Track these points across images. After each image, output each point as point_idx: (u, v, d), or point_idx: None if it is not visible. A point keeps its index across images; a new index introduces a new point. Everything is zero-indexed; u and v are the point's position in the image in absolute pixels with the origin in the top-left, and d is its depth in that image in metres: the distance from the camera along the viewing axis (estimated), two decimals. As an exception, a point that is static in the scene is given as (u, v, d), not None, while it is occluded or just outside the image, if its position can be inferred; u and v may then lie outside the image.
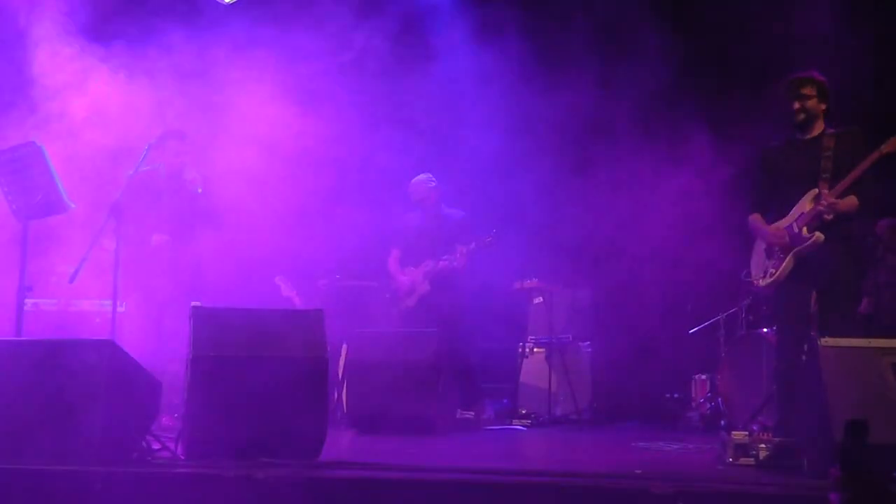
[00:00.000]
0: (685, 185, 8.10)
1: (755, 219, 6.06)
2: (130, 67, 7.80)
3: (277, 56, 8.24)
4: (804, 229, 5.71)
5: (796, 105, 5.85)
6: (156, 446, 5.11)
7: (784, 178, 5.93)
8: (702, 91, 8.76)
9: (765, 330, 7.48)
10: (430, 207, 8.40)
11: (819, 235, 5.65)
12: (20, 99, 7.47)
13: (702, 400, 8.36)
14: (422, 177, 8.44)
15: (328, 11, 8.48)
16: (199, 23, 8.44)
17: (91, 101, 7.43)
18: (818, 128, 5.89)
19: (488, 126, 8.83)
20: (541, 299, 9.24)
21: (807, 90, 5.84)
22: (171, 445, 5.13)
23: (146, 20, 8.14)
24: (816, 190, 5.72)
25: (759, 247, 6.07)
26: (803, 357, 5.36)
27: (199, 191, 7.23)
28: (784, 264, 5.78)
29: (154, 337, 7.30)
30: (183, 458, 4.98)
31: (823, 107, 5.88)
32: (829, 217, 5.62)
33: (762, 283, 5.93)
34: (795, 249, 5.74)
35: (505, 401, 9.23)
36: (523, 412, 8.84)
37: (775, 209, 5.99)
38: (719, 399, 7.88)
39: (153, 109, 8.00)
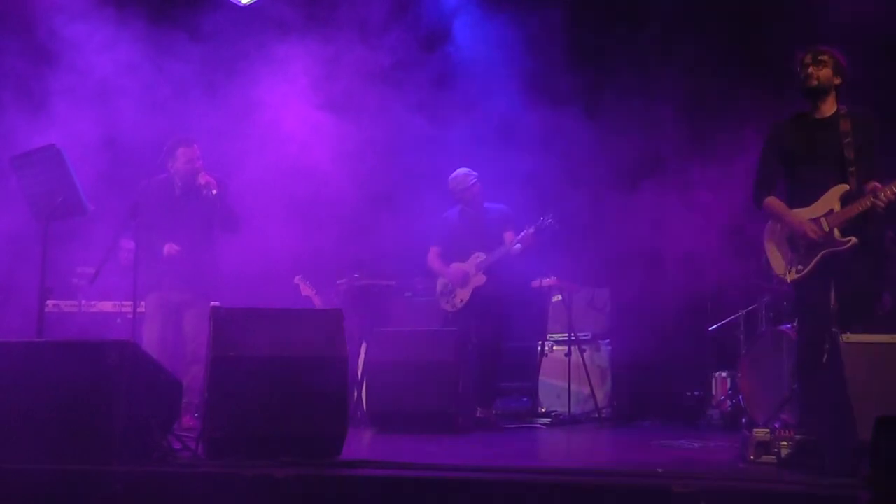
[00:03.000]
0: (705, 181, 8.08)
1: (774, 202, 5.84)
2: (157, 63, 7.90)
3: (303, 58, 8.28)
4: (836, 231, 5.59)
5: (810, 69, 5.70)
6: (177, 446, 5.14)
7: (802, 161, 5.77)
8: (727, 90, 8.71)
9: (786, 326, 7.43)
10: (471, 201, 8.27)
11: (855, 240, 5.52)
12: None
13: (722, 398, 8.32)
14: (462, 171, 8.29)
15: (355, 15, 8.51)
16: (223, 24, 8.50)
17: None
18: (830, 105, 5.75)
19: (507, 124, 8.82)
20: (560, 297, 9.22)
21: (824, 58, 5.71)
22: (192, 445, 5.15)
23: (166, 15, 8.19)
24: (846, 187, 5.60)
25: (777, 235, 5.86)
26: (825, 354, 5.30)
27: (214, 193, 7.23)
28: (815, 262, 5.63)
29: (173, 338, 7.34)
30: (204, 457, 4.99)
31: (838, 81, 5.73)
32: (882, 207, 5.48)
33: (790, 277, 5.74)
34: (827, 251, 5.59)
35: (524, 399, 9.22)
36: (543, 410, 8.84)
37: (792, 192, 5.84)
38: (740, 397, 7.84)
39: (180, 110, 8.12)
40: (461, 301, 8.15)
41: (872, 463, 3.67)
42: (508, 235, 8.10)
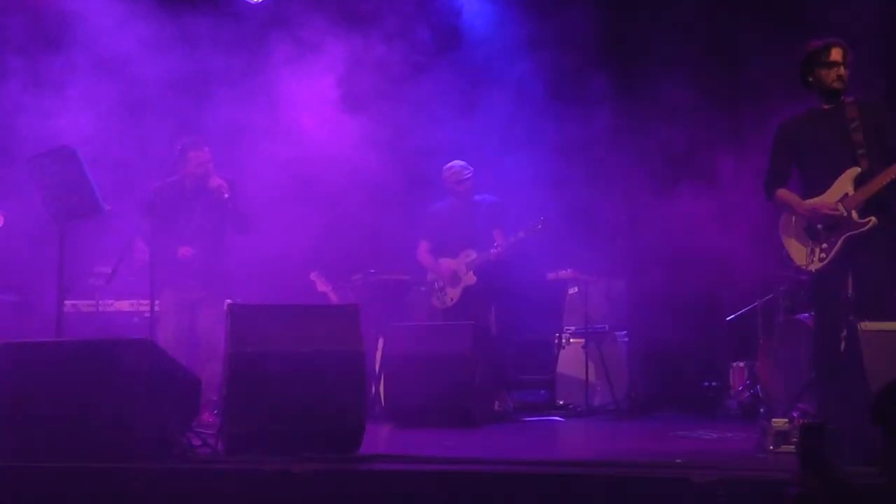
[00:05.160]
0: (722, 172, 8.05)
1: (785, 194, 5.86)
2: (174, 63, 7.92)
3: (320, 54, 8.29)
4: (854, 213, 5.58)
5: (841, 70, 5.67)
6: (196, 443, 5.16)
7: (810, 152, 5.79)
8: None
9: (804, 315, 7.41)
10: (462, 195, 8.25)
11: (875, 220, 5.51)
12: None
13: (740, 388, 8.30)
14: (457, 163, 8.28)
15: (373, 9, 8.51)
16: (239, 21, 8.52)
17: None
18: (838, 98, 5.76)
19: (521, 115, 8.80)
20: (576, 289, 9.21)
21: (848, 57, 5.69)
22: (212, 442, 5.17)
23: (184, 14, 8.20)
24: (858, 169, 5.59)
25: (793, 226, 5.86)
26: (843, 342, 5.29)
27: (226, 196, 7.27)
28: (837, 247, 5.61)
29: (188, 336, 7.37)
30: (223, 454, 5.01)
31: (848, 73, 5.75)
32: None
33: (813, 267, 5.70)
34: (848, 234, 5.58)
35: (542, 392, 9.21)
36: (561, 403, 8.83)
37: (806, 184, 5.85)
38: (758, 386, 7.82)
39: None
40: (451, 300, 8.18)
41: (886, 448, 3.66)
42: (497, 234, 8.09)
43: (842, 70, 5.69)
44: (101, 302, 8.52)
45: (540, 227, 7.90)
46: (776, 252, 6.34)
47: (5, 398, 4.99)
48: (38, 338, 6.32)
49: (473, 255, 8.10)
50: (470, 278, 8.11)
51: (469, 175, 8.23)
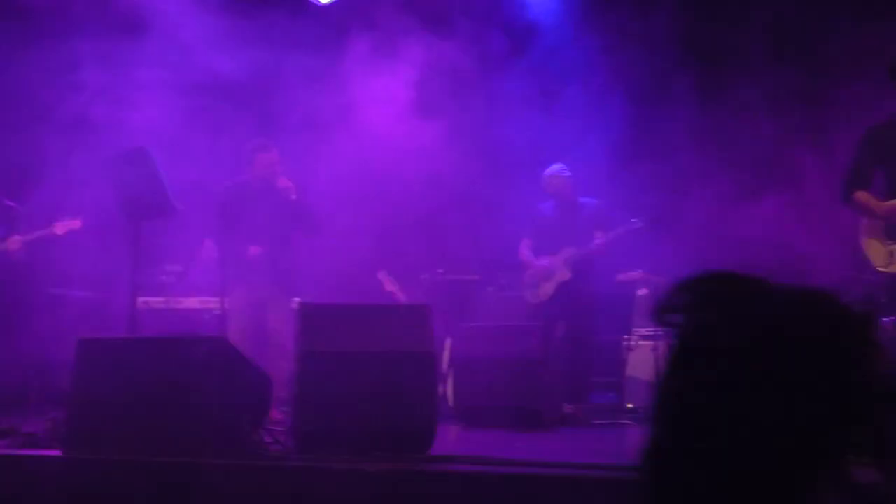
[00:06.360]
0: (801, 174, 7.92)
1: (864, 196, 5.78)
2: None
3: (391, 55, 8.29)
4: None
5: None
6: (267, 440, 5.19)
7: (893, 156, 5.70)
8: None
9: (886, 319, 7.23)
10: (565, 197, 8.21)
11: None
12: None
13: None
14: (555, 167, 8.24)
15: (446, 10, 8.50)
16: (314, 18, 8.56)
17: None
18: None
19: (599, 116, 8.72)
20: (646, 291, 9.11)
21: None
22: (282, 439, 5.19)
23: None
24: None
25: (875, 230, 5.79)
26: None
27: (294, 197, 7.34)
28: None
29: (257, 334, 7.43)
30: (294, 451, 5.03)
31: None
32: None
33: (893, 268, 5.64)
34: None
35: (611, 394, 9.12)
36: (630, 406, 8.73)
37: (888, 188, 5.76)
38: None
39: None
40: (545, 294, 8.10)
41: None
42: (598, 234, 8.04)
43: None
44: (171, 299, 8.63)
45: (639, 225, 7.91)
46: (854, 255, 6.25)
47: (82, 392, 5.07)
48: (111, 334, 6.44)
49: (571, 250, 8.07)
50: (565, 274, 8.06)
51: (566, 177, 8.21)
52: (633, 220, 7.97)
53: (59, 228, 7.73)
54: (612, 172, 8.58)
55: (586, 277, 8.05)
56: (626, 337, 9.10)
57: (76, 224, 7.77)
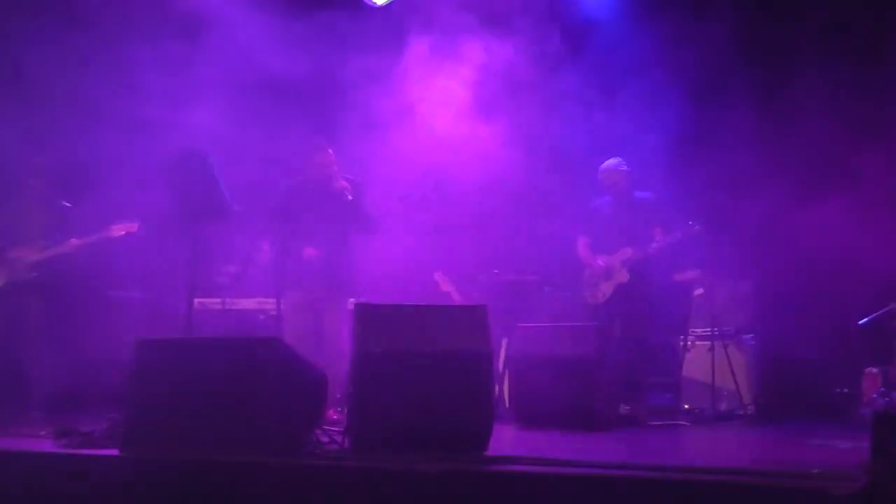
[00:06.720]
0: (859, 173, 7.80)
1: None
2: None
3: (453, 56, 8.30)
4: None
5: None
6: (324, 440, 5.21)
7: None
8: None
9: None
10: (621, 193, 8.16)
11: None
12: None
13: (874, 395, 8.00)
14: (612, 161, 8.19)
15: (504, 11, 8.49)
16: (374, 19, 8.58)
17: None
18: None
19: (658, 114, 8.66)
20: (702, 291, 9.02)
21: None
22: (339, 439, 5.21)
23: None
24: None
25: None
26: None
27: (349, 198, 7.35)
28: None
29: (313, 334, 7.45)
30: (351, 451, 5.04)
31: None
32: None
33: None
34: None
35: (668, 395, 9.04)
36: (686, 407, 8.66)
37: None
38: (894, 393, 7.54)
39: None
40: (603, 295, 8.05)
41: None
42: (657, 232, 7.97)
43: None
44: (227, 300, 8.70)
45: (698, 227, 7.86)
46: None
47: (139, 392, 5.14)
48: (168, 335, 6.51)
49: (629, 252, 8.02)
50: (623, 275, 8.01)
51: (623, 172, 8.15)
52: (690, 222, 7.90)
53: (116, 231, 7.81)
54: (669, 172, 8.51)
55: (644, 279, 7.99)
56: (682, 337, 9.02)
57: (133, 227, 7.84)
